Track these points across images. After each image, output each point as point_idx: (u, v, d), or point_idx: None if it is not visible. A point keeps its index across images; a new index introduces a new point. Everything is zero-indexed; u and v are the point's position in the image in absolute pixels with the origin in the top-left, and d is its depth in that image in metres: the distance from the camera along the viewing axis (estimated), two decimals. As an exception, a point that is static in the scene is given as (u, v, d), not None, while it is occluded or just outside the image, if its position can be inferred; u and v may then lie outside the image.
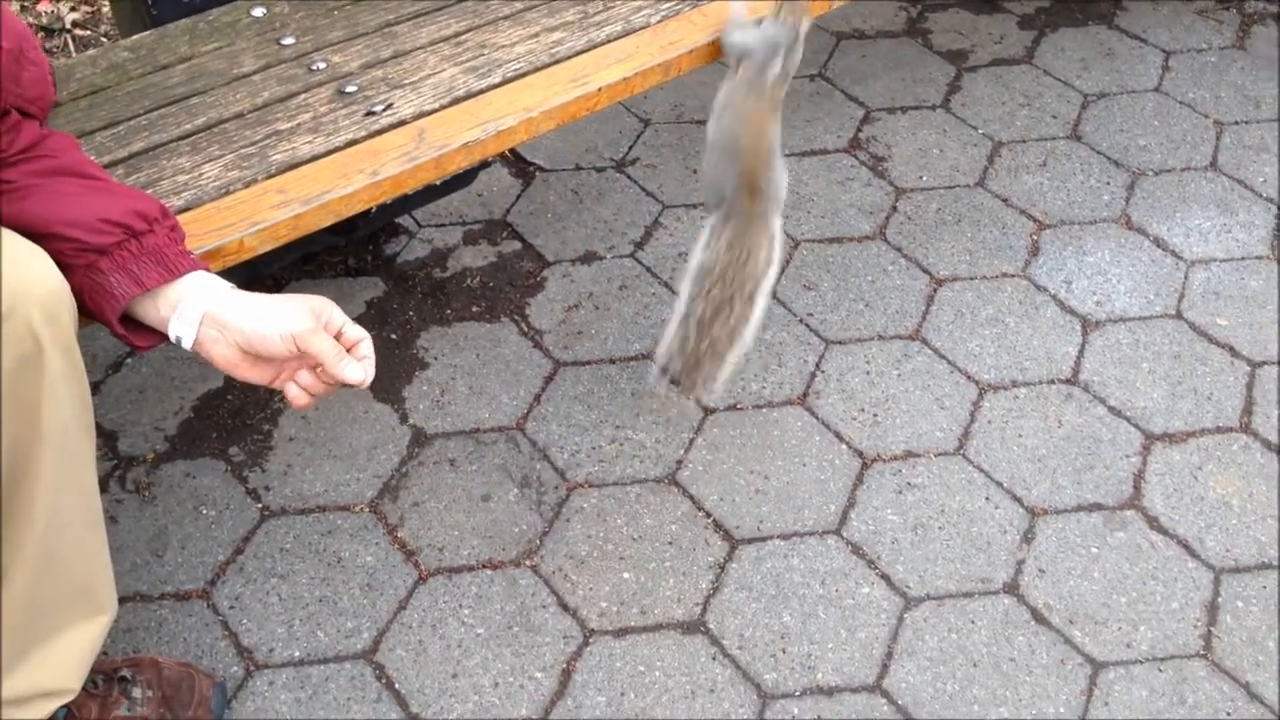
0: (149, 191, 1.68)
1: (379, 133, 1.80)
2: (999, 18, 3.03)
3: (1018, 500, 2.03)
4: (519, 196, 2.57)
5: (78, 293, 1.39)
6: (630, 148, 2.68)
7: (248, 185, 1.70)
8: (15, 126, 1.43)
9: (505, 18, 2.03)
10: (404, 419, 2.14)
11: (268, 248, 1.68)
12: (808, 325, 2.30)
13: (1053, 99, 2.79)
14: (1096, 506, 2.03)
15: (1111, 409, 2.16)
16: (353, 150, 1.77)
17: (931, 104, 2.78)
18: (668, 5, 2.02)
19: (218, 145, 1.77)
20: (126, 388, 2.16)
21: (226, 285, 1.44)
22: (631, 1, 2.04)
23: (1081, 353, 2.25)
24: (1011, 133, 2.70)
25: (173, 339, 1.41)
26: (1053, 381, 2.20)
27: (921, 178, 2.60)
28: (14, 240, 1.34)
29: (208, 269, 1.46)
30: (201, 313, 1.39)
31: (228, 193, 1.69)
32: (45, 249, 1.36)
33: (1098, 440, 2.11)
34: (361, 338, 1.47)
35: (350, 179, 1.72)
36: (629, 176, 2.62)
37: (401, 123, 1.82)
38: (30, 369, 1.33)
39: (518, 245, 2.47)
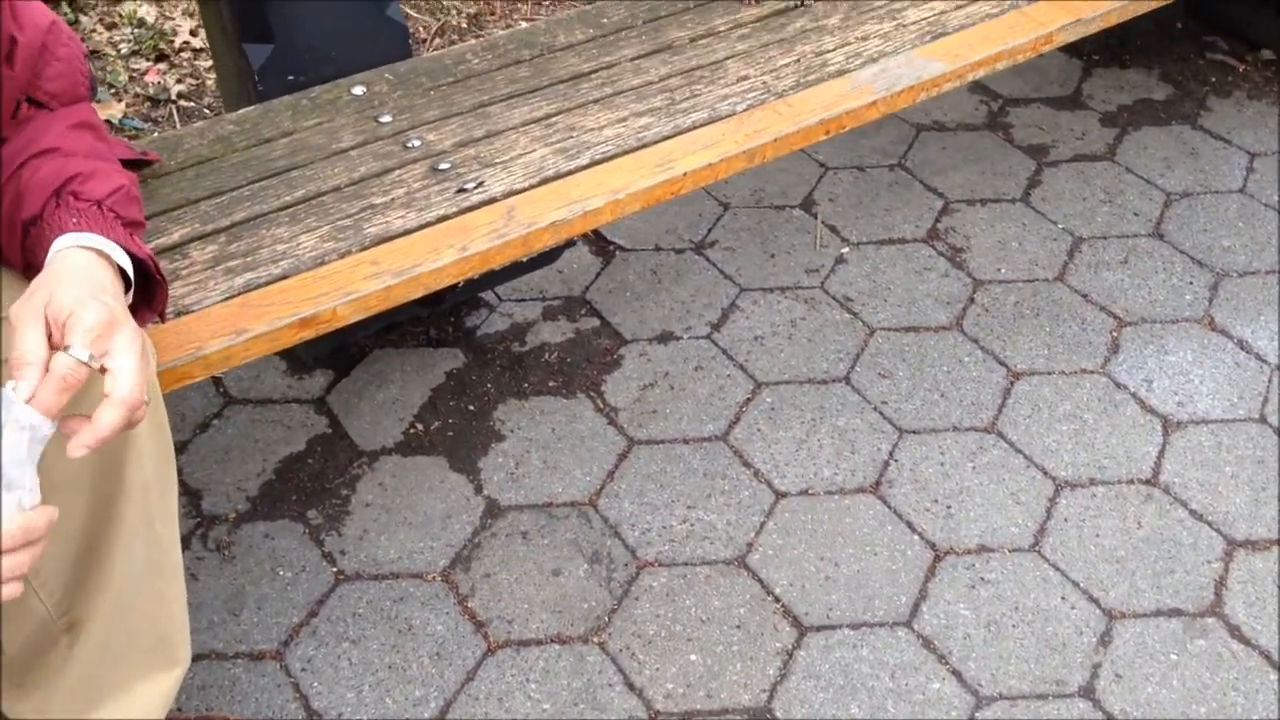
0: (248, 260, 1.75)
1: (470, 209, 1.85)
2: (1081, 114, 3.04)
3: (1095, 601, 2.00)
4: (599, 274, 2.61)
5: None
6: (709, 230, 2.71)
7: (342, 256, 1.76)
8: (27, 119, 1.39)
9: (595, 101, 2.08)
10: (479, 489, 2.16)
11: (359, 317, 1.72)
12: (882, 413, 2.30)
13: (1135, 196, 2.78)
14: (1176, 612, 1.99)
15: (1193, 512, 2.13)
16: (444, 226, 1.82)
17: (1011, 197, 2.79)
18: (753, 95, 2.06)
19: (315, 217, 1.83)
20: (213, 448, 2.22)
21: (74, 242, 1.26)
22: (718, 90, 2.09)
23: (1162, 453, 2.22)
24: (1092, 228, 2.70)
25: None
26: (1132, 481, 2.17)
27: (1000, 270, 2.60)
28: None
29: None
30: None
31: (323, 263, 1.75)
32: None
33: (1178, 544, 2.08)
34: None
35: (440, 254, 1.76)
36: (707, 258, 2.65)
37: (491, 200, 1.87)
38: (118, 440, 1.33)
39: (596, 322, 2.50)
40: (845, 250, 2.66)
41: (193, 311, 1.65)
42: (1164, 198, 2.78)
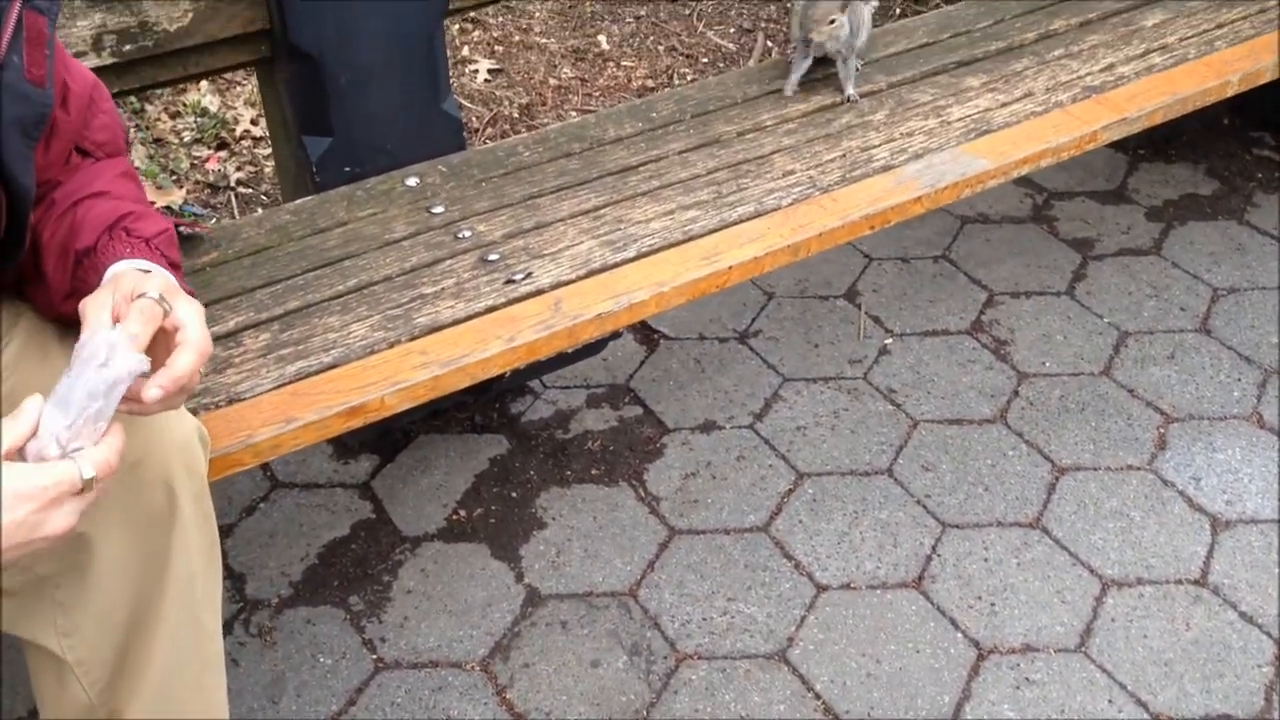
0: (299, 348, 1.78)
1: (517, 300, 1.88)
2: (1126, 208, 3.05)
3: (1142, 705, 1.96)
4: (642, 363, 2.63)
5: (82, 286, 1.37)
6: (753, 320, 2.73)
7: (391, 345, 1.79)
8: (76, 167, 1.46)
9: (643, 194, 2.12)
10: (519, 578, 2.17)
11: (407, 406, 1.75)
12: (925, 506, 2.28)
13: (1181, 291, 2.78)
14: (1226, 717, 1.94)
15: (1243, 614, 2.09)
16: (492, 316, 1.84)
17: (1056, 290, 2.79)
18: (798, 189, 2.09)
19: (366, 306, 1.87)
20: (258, 531, 2.24)
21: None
22: (764, 184, 2.12)
23: (1211, 553, 2.19)
24: (1138, 323, 2.69)
25: None
26: (1180, 581, 2.14)
27: (1044, 364, 2.60)
28: None
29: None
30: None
31: (373, 352, 1.78)
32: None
33: (1228, 647, 2.04)
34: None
35: (488, 344, 1.79)
36: (751, 348, 2.66)
37: (539, 291, 1.89)
38: (162, 521, 1.37)
39: (639, 411, 2.52)
40: (889, 341, 2.67)
41: (244, 399, 1.68)
42: (1211, 293, 2.77)
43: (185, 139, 3.24)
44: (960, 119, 2.27)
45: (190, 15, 1.94)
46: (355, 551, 2.22)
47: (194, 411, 1.66)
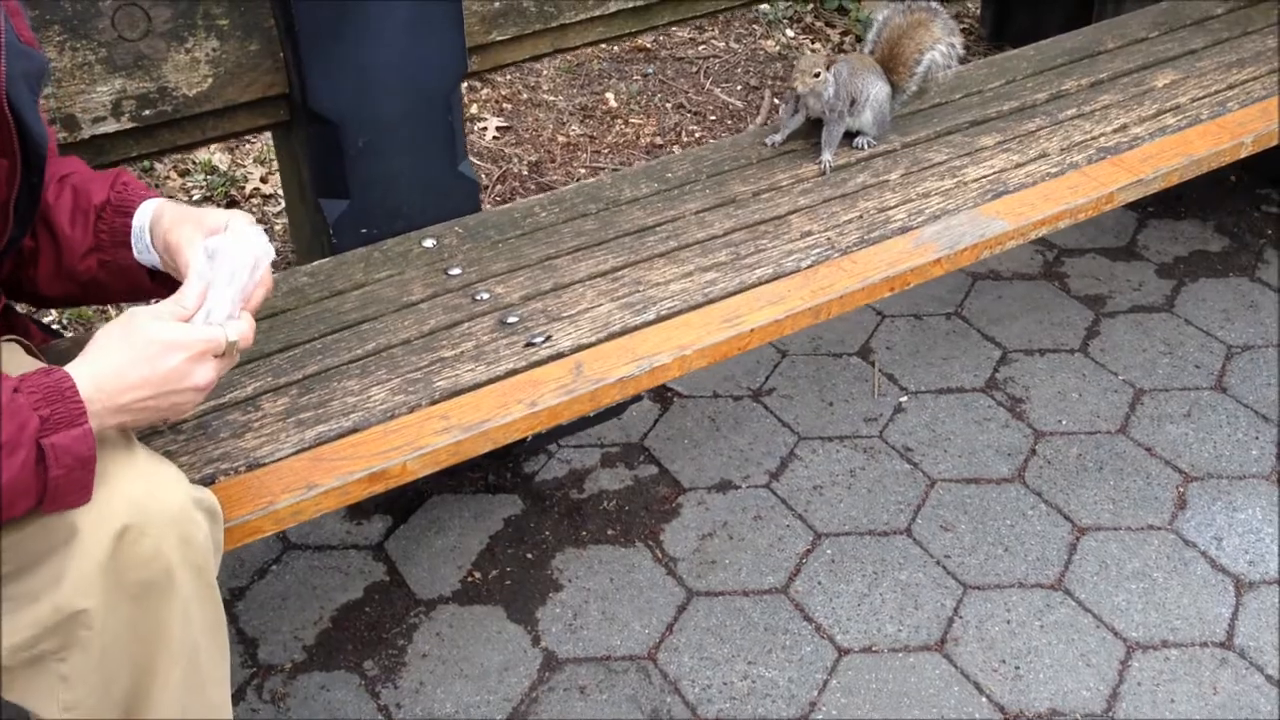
0: (319, 413, 1.76)
1: (538, 364, 1.87)
2: (1136, 265, 3.06)
3: (1171, 771, 1.93)
4: (657, 421, 2.61)
5: (120, 290, 1.60)
6: (767, 378, 2.72)
7: (412, 410, 1.78)
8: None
9: (660, 255, 2.11)
10: (536, 641, 2.14)
11: (429, 471, 1.73)
12: (945, 567, 2.26)
13: (1195, 349, 2.77)
14: (1257, 783, 1.92)
15: (1269, 678, 2.06)
16: (513, 380, 1.83)
17: (1070, 348, 2.79)
18: (817, 251, 2.09)
19: (385, 369, 1.86)
20: (270, 594, 2.21)
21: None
22: (782, 245, 2.12)
23: (1235, 615, 2.16)
24: (1153, 381, 2.68)
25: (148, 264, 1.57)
26: (1205, 644, 2.11)
27: (1061, 421, 2.58)
28: (142, 454, 1.39)
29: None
30: (144, 235, 1.55)
31: (393, 416, 1.76)
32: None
33: (1255, 711, 2.01)
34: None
35: (509, 409, 1.78)
36: (765, 406, 2.65)
37: (560, 355, 1.88)
38: (157, 593, 1.35)
39: (654, 470, 2.50)
40: (904, 399, 2.66)
41: (264, 465, 1.67)
42: (1225, 350, 2.76)
43: (195, 197, 3.25)
44: (976, 179, 2.28)
45: (210, 80, 1.94)
46: (369, 614, 2.19)
47: (211, 479, 1.65)
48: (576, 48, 2.35)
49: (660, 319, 1.95)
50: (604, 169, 3.44)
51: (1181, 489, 2.42)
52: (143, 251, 1.56)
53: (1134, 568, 2.25)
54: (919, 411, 2.62)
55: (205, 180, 3.28)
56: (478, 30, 2.15)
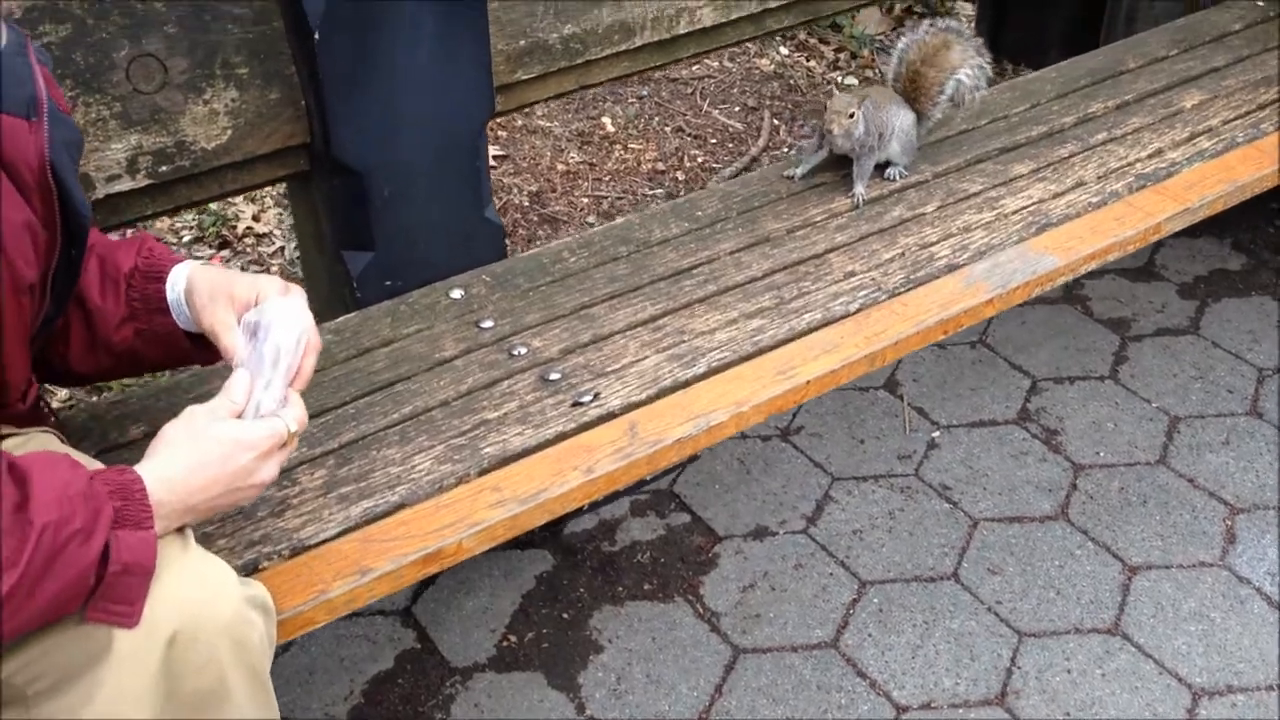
0: (361, 486, 1.66)
1: (589, 425, 1.77)
2: (1157, 285, 3.01)
3: (1251, 825, 1.87)
4: (685, 466, 2.53)
5: (154, 359, 1.55)
6: (794, 415, 2.64)
7: (461, 480, 1.68)
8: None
9: (700, 300, 2.03)
10: (581, 709, 2.04)
11: (484, 548, 1.63)
12: (997, 614, 2.19)
13: (1225, 372, 2.72)
14: (1339, 835, 1.86)
15: (1339, 720, 2.01)
16: (565, 445, 1.74)
17: (1099, 374, 2.73)
18: (864, 293, 2.01)
19: (426, 435, 1.76)
20: (296, 668, 2.10)
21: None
22: (826, 287, 2.04)
23: (1298, 655, 2.11)
24: (1187, 407, 2.63)
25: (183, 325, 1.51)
26: (1271, 688, 2.05)
27: (1099, 453, 2.52)
28: (194, 552, 1.32)
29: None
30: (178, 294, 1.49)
31: (441, 489, 1.66)
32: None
33: (1330, 757, 1.96)
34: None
35: (565, 477, 1.68)
36: (795, 446, 2.57)
37: (611, 415, 1.79)
38: (215, 702, 1.29)
39: (686, 518, 2.41)
40: (936, 434, 2.59)
41: (310, 548, 1.56)
42: (1256, 374, 2.72)
43: (185, 238, 3.12)
44: (1017, 211, 2.21)
45: (229, 132, 1.84)
46: (402, 686, 2.09)
47: (254, 565, 1.54)
48: (601, 84, 2.26)
49: (711, 371, 1.86)
50: (606, 197, 3.35)
51: (1229, 522, 2.36)
52: (183, 321, 1.50)
53: (1190, 608, 2.19)
54: (953, 447, 2.55)
55: (195, 220, 3.15)
56: (503, 69, 2.06)
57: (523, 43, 2.06)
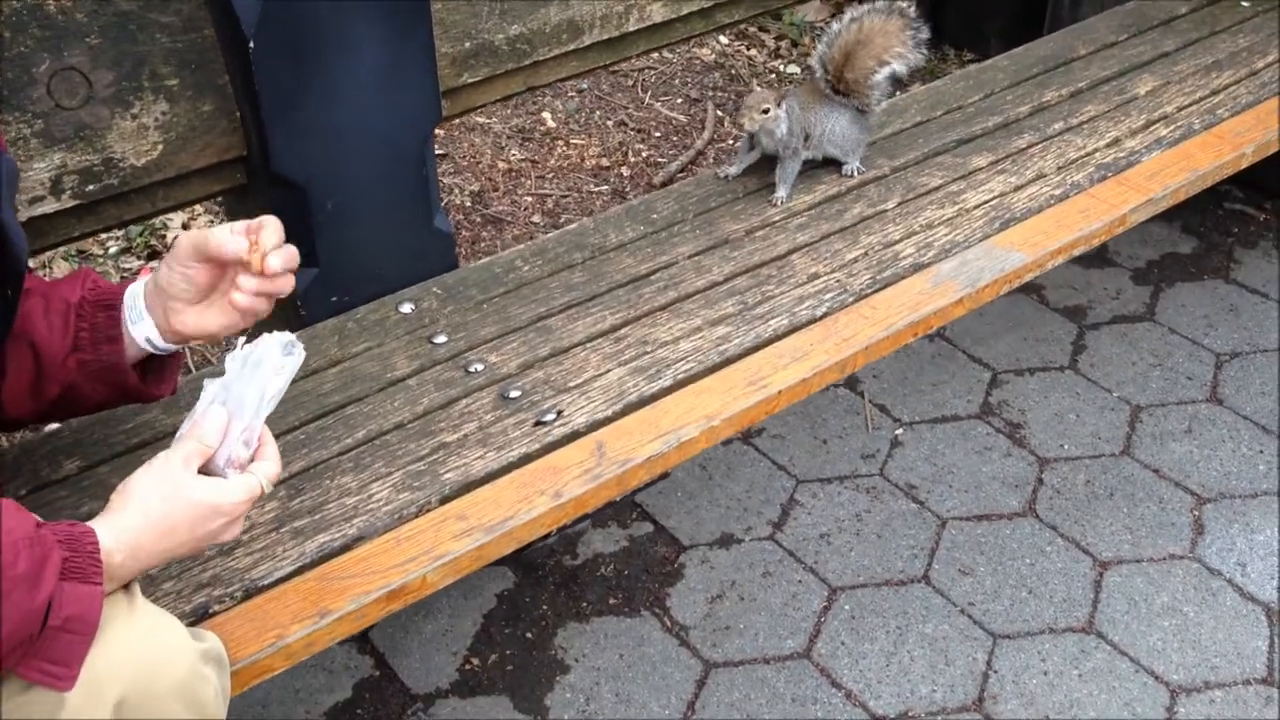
0: (316, 519, 1.58)
1: (554, 446, 1.70)
2: (1110, 271, 2.99)
3: (1236, 825, 1.85)
4: (645, 473, 2.46)
5: (92, 396, 1.43)
6: (754, 417, 2.58)
7: (422, 510, 1.60)
8: None
9: (661, 308, 1.96)
10: (550, 734, 1.98)
11: (450, 581, 1.56)
12: (970, 616, 2.15)
13: (1184, 358, 2.71)
14: (1322, 830, 1.84)
15: (1316, 712, 2.00)
16: (530, 468, 1.66)
17: (1059, 365, 2.70)
18: (830, 296, 1.95)
19: (382, 461, 1.67)
20: (249, 702, 2.01)
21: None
22: (791, 290, 1.98)
23: (1272, 646, 2.09)
24: (1148, 396, 2.61)
25: (141, 341, 1.42)
26: (1249, 682, 2.04)
27: (1063, 446, 2.50)
28: (145, 611, 1.24)
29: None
30: (143, 317, 1.41)
31: (401, 519, 1.58)
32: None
33: (1309, 750, 1.95)
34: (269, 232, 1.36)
35: (533, 502, 1.61)
36: (757, 448, 2.51)
37: (576, 434, 1.72)
38: None
39: (649, 527, 2.35)
40: (899, 431, 2.54)
41: (264, 588, 1.48)
42: (1214, 359, 2.71)
43: (111, 250, 2.99)
44: (978, 205, 2.16)
45: (160, 147, 1.73)
46: (361, 717, 2.00)
47: (206, 611, 1.45)
48: (549, 84, 2.18)
49: (678, 384, 1.80)
50: (551, 195, 3.26)
51: (1196, 512, 2.35)
52: (141, 339, 1.41)
53: (1163, 603, 2.17)
54: (917, 444, 2.51)
55: (123, 230, 3.02)
56: (448, 73, 1.96)
57: (468, 45, 1.97)
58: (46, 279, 1.45)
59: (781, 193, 2.18)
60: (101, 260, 2.95)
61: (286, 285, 1.36)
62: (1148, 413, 2.57)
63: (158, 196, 1.79)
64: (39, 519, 1.17)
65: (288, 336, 1.34)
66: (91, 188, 1.70)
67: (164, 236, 3.02)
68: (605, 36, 2.14)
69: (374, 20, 1.75)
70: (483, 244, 3.08)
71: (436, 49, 1.89)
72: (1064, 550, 2.27)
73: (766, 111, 2.11)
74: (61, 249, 2.90)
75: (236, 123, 1.78)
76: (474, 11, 1.95)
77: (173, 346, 1.43)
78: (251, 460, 1.32)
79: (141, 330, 1.41)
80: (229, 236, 1.33)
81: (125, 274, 2.92)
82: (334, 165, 1.83)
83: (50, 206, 1.68)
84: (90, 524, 1.21)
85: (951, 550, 2.28)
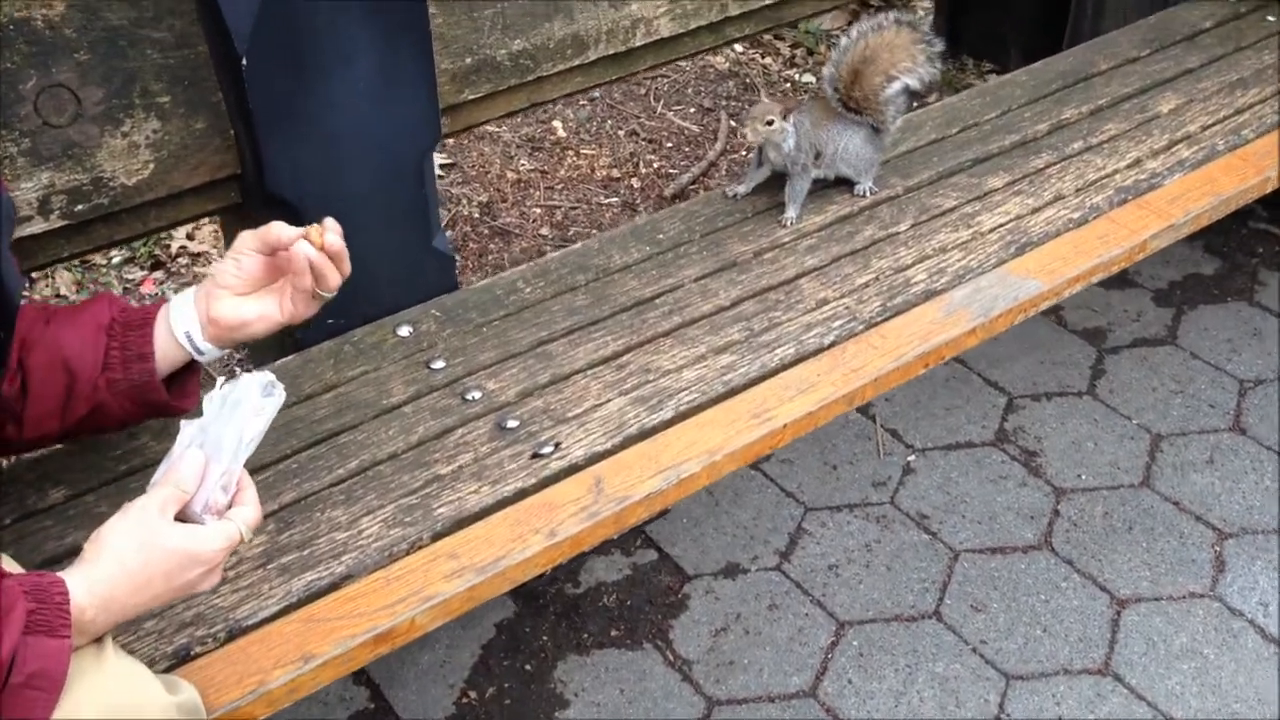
0: (304, 554, 1.52)
1: (550, 480, 1.64)
2: (1131, 292, 2.92)
3: None
4: (650, 497, 2.40)
5: (118, 414, 1.44)
6: (762, 440, 2.52)
7: (413, 547, 1.54)
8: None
9: (665, 334, 1.90)
10: (547, 771, 1.92)
11: (440, 624, 1.50)
12: (982, 655, 2.09)
13: (1206, 385, 2.64)
14: None
15: (1340, 761, 1.93)
16: (526, 504, 1.61)
17: (1077, 390, 2.64)
18: (839, 323, 1.89)
19: (374, 493, 1.62)
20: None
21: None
22: (799, 317, 1.92)
23: (1295, 691, 2.03)
24: (1169, 424, 2.54)
25: (180, 336, 1.44)
26: (1270, 728, 1.97)
27: (1080, 476, 2.43)
28: (115, 663, 1.20)
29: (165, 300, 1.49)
30: (188, 309, 1.44)
31: (392, 556, 1.53)
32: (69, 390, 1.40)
33: (1333, 801, 1.88)
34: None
35: (526, 541, 1.55)
36: (765, 474, 2.45)
37: (574, 468, 1.66)
38: None
39: (653, 555, 2.29)
40: (911, 458, 2.48)
41: (248, 630, 1.42)
42: (1237, 386, 2.63)
43: (114, 259, 2.95)
44: (994, 229, 2.10)
45: (151, 166, 1.68)
46: (356, 751, 1.96)
47: (186, 653, 1.40)
48: (553, 100, 2.12)
49: (680, 416, 1.74)
50: (560, 207, 3.21)
51: (1217, 548, 2.28)
52: (180, 316, 1.44)
53: (1182, 644, 2.10)
54: (929, 471, 2.45)
55: (125, 240, 2.97)
56: (449, 90, 1.91)
57: (469, 60, 1.91)
58: (70, 301, 1.45)
59: (791, 213, 2.12)
60: (105, 270, 2.91)
61: (339, 267, 1.44)
62: (1168, 442, 2.50)
63: (149, 216, 1.74)
64: (6, 569, 1.12)
65: (267, 377, 1.31)
66: (80, 207, 1.65)
67: (168, 247, 2.97)
68: (611, 51, 2.08)
69: (370, 37, 1.70)
70: (490, 256, 3.03)
71: (436, 65, 1.84)
72: (1080, 586, 2.20)
73: (771, 123, 2.05)
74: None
75: (230, 140, 1.73)
76: (475, 27, 1.89)
77: (208, 348, 1.45)
78: (230, 506, 1.28)
79: (182, 324, 1.43)
80: (291, 227, 1.41)
81: (128, 285, 2.88)
82: (329, 184, 1.78)
83: (38, 227, 1.63)
84: (61, 574, 1.17)
85: (963, 584, 2.22)
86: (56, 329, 1.42)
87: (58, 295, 2.79)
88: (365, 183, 1.83)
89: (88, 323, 1.43)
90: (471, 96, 1.96)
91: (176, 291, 2.87)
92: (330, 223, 1.44)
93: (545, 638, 2.13)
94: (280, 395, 1.31)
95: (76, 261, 2.91)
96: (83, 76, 1.59)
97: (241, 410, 1.28)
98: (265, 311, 1.45)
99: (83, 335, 1.42)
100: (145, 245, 2.95)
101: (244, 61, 1.61)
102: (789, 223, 2.11)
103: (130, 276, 2.90)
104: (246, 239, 1.42)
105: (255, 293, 1.45)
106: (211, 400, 1.29)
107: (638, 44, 2.12)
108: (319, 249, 1.41)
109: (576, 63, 2.06)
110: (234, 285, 1.43)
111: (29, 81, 1.55)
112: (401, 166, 1.86)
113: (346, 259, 1.45)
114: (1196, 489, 2.39)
